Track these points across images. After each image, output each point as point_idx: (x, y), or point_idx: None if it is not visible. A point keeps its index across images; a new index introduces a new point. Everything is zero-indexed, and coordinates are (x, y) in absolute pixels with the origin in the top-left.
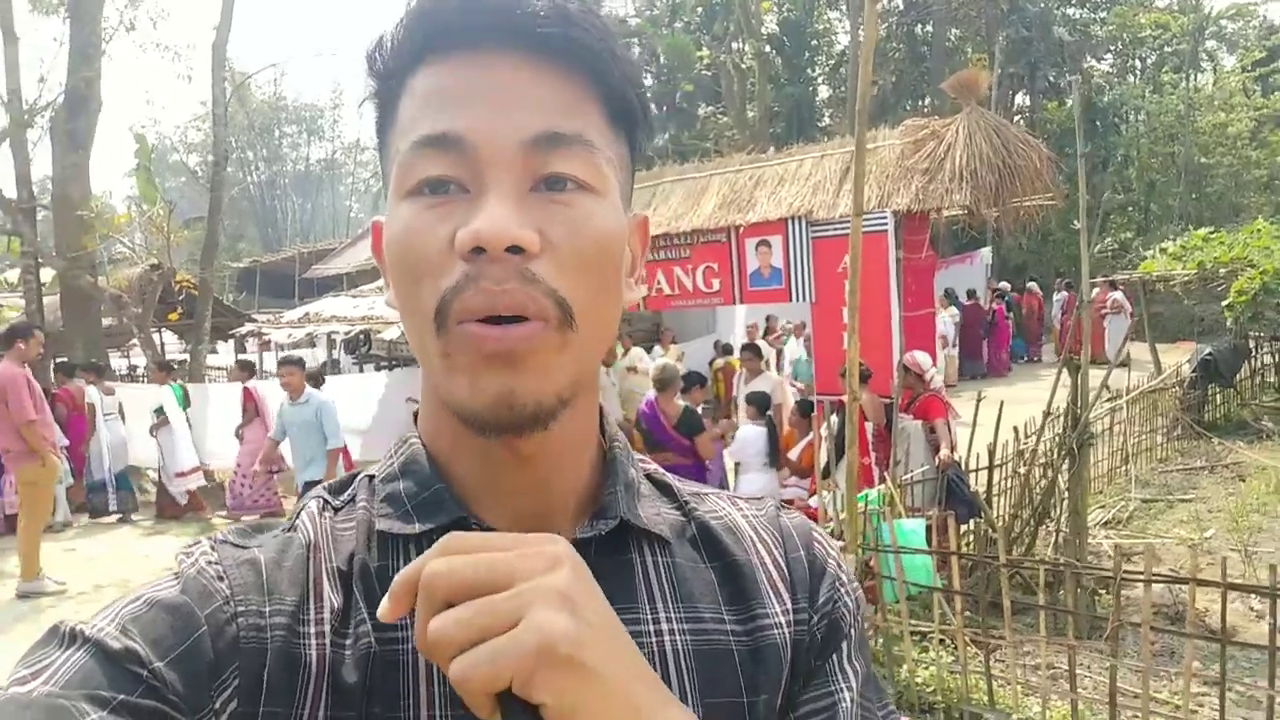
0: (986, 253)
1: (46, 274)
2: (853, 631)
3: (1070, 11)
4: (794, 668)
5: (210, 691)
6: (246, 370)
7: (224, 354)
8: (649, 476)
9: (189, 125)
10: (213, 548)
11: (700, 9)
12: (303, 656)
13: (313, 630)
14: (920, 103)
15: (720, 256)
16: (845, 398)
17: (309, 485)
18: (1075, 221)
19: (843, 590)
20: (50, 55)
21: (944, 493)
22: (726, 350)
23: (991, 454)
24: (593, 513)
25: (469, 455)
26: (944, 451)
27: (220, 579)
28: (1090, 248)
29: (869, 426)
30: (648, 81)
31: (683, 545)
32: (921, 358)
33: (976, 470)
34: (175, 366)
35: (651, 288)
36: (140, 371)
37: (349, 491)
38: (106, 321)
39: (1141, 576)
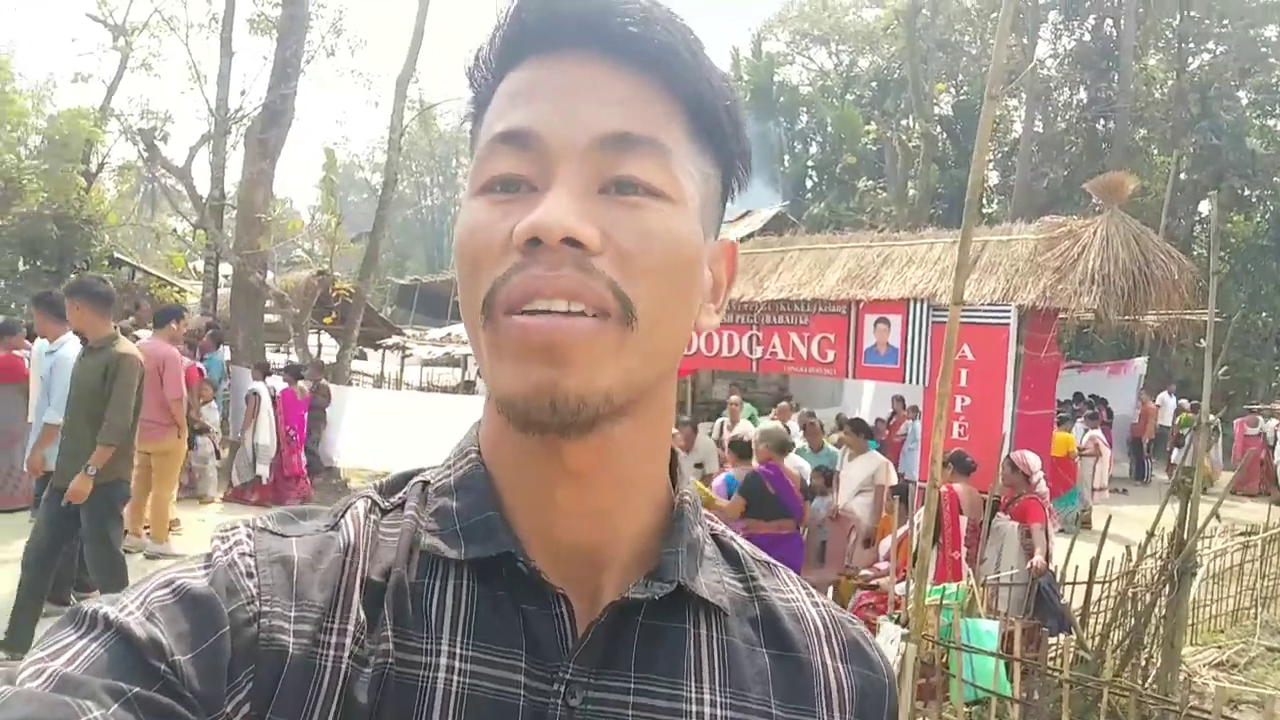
0: (1141, 363)
1: (227, 269)
2: None
3: (1270, 124)
4: None
5: (225, 692)
6: (293, 375)
7: (372, 362)
8: (715, 538)
9: (376, 146)
10: (249, 536)
11: (874, 84)
12: (318, 667)
13: (334, 641)
14: (1095, 202)
15: (838, 328)
16: (925, 485)
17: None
18: (1252, 342)
19: None
20: (254, 70)
21: (1033, 601)
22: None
23: (1093, 569)
24: (649, 571)
25: (524, 470)
26: (1038, 557)
27: (250, 575)
28: (1216, 368)
29: (963, 520)
30: (811, 149)
31: (742, 623)
32: (1031, 458)
33: (1075, 584)
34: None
35: (767, 350)
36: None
37: (400, 494)
38: (273, 318)
39: (1210, 715)
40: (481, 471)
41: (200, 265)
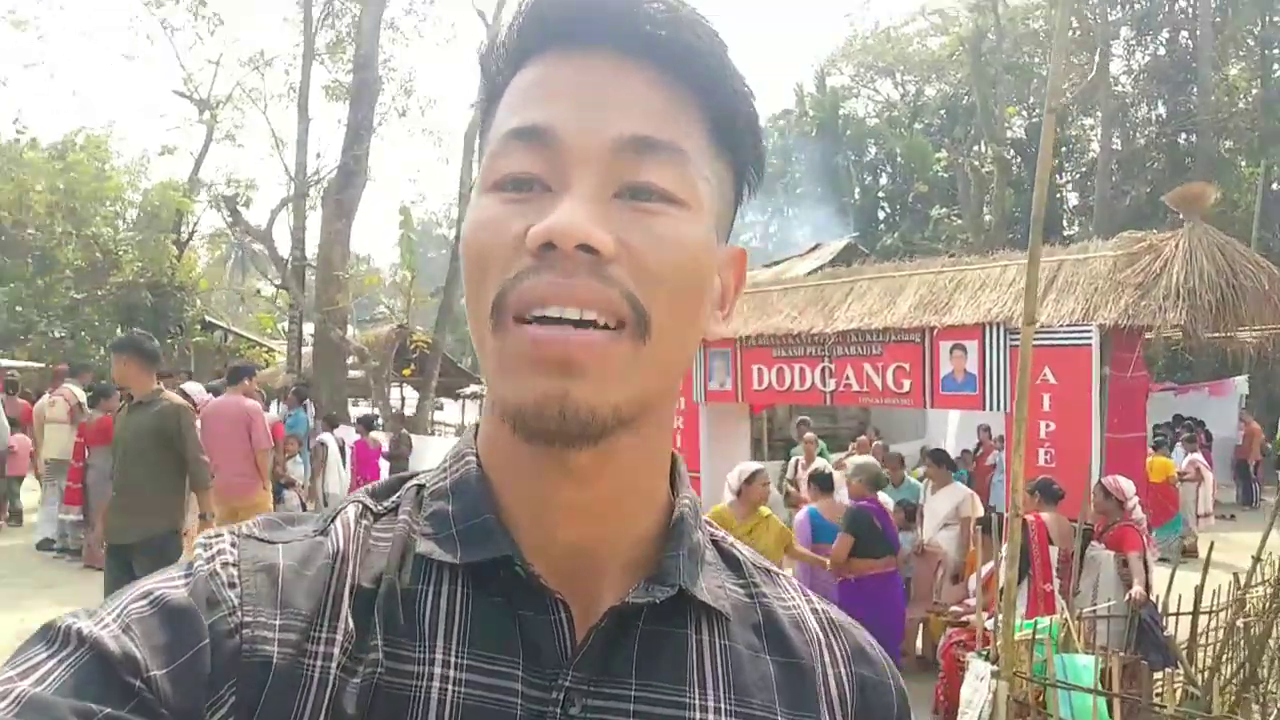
0: (1241, 382)
1: (311, 327)
2: None
3: None
4: None
5: (205, 708)
6: (365, 426)
7: (451, 411)
8: (716, 544)
9: (451, 203)
10: (233, 544)
11: (943, 112)
12: (304, 677)
13: (321, 650)
14: (1181, 217)
15: (912, 357)
16: (1007, 514)
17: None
18: None
19: None
20: (328, 133)
21: (1134, 634)
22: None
23: (1198, 598)
24: (649, 576)
25: (523, 475)
26: (1137, 588)
27: (231, 585)
28: None
29: (1053, 550)
30: (881, 180)
31: (744, 629)
32: (1124, 483)
33: (1179, 615)
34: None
35: (840, 382)
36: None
37: (394, 499)
38: (356, 373)
39: None
40: (478, 474)
41: (287, 325)
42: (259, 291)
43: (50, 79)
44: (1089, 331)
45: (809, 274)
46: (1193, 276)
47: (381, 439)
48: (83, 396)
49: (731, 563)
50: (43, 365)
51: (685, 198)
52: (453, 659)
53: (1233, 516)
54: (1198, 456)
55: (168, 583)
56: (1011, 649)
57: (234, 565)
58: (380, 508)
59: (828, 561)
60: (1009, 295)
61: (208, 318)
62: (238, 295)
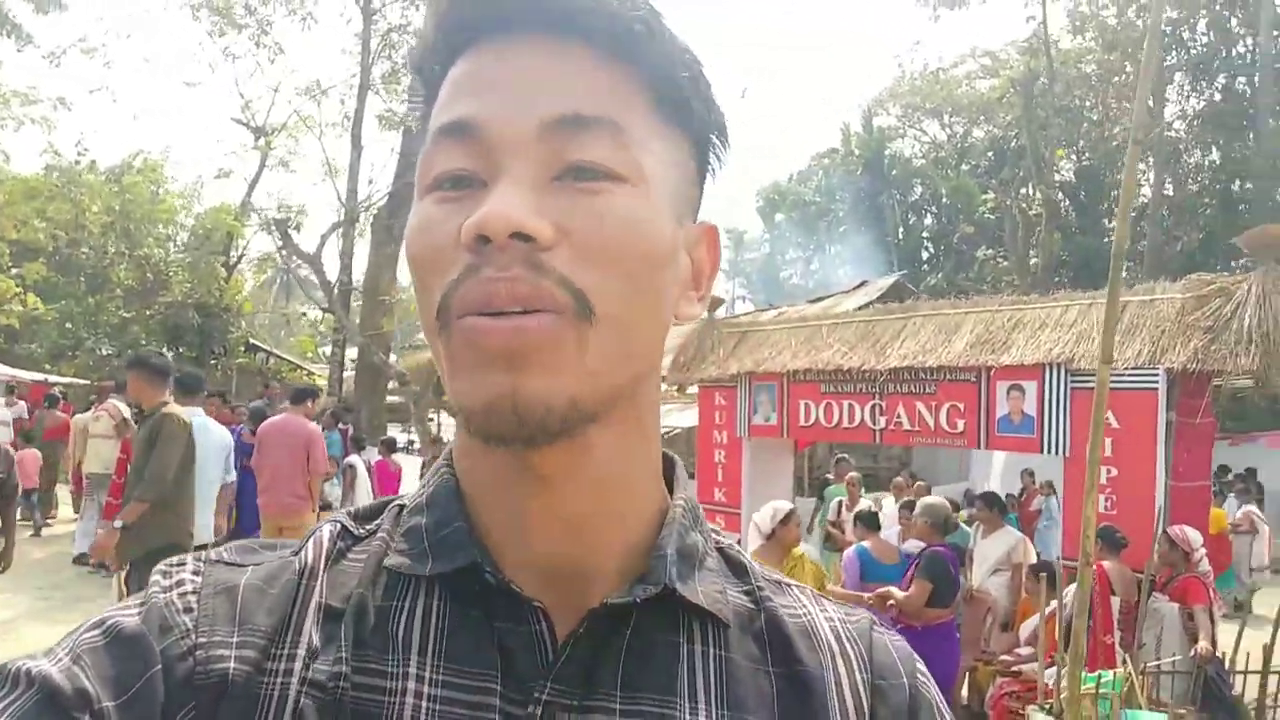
0: None
1: (354, 353)
2: None
3: None
4: None
5: None
6: (388, 448)
7: None
8: (721, 550)
9: None
10: (196, 572)
11: (990, 153)
12: (263, 696)
13: (281, 668)
14: (1233, 264)
15: (968, 397)
16: (1070, 562)
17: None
18: None
19: None
20: (381, 161)
21: (1199, 691)
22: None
23: (1267, 656)
24: (635, 577)
25: (495, 480)
26: (1203, 643)
27: (188, 611)
28: None
29: (1115, 601)
30: (926, 220)
31: (744, 639)
32: (1191, 533)
33: (1247, 673)
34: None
35: (891, 421)
36: (411, 444)
37: (377, 520)
38: (396, 399)
39: None
40: (451, 484)
41: (329, 350)
42: (304, 315)
43: (113, 104)
44: (1156, 375)
45: (858, 309)
46: (1267, 321)
47: (404, 461)
48: (128, 412)
49: (737, 569)
50: (88, 382)
51: (626, 173)
52: (427, 674)
53: None
54: (1252, 508)
55: (123, 611)
56: (1078, 704)
57: (193, 593)
58: (362, 530)
59: (864, 596)
60: (1070, 335)
61: (251, 340)
62: (283, 318)
